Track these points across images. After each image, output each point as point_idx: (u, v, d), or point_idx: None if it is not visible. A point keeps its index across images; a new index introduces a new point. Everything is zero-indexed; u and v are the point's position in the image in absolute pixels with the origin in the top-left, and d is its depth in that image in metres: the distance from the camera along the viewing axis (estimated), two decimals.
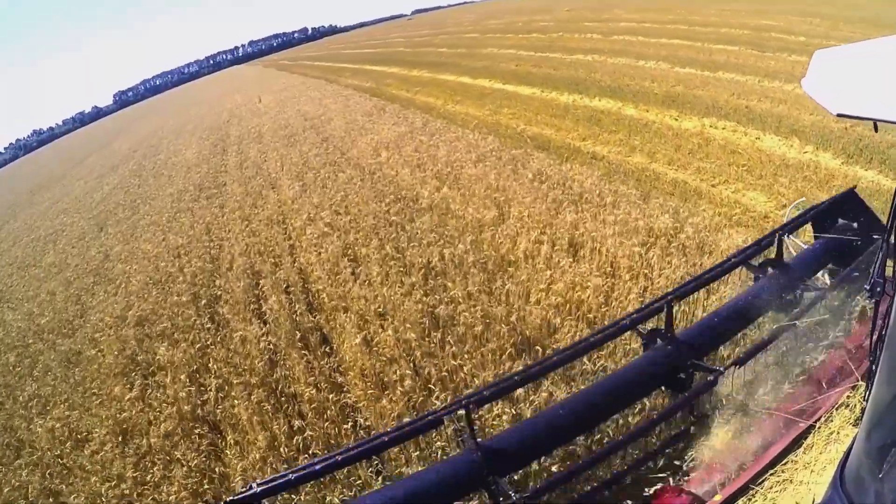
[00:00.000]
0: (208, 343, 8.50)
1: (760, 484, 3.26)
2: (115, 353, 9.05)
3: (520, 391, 5.41)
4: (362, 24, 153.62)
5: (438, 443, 5.20)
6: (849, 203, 4.95)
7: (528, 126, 17.32)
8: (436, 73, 32.85)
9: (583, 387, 5.15)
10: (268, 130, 25.14)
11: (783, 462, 3.33)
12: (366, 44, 71.51)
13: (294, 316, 8.43)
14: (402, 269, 8.74)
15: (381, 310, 7.83)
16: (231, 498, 3.09)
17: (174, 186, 20.04)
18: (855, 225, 4.86)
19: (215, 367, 7.76)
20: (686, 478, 3.82)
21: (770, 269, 4.69)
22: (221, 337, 8.62)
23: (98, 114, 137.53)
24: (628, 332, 4.52)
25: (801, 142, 11.89)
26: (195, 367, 8.05)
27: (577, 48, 30.94)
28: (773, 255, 4.75)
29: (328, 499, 5.08)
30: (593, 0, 61.07)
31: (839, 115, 1.51)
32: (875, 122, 1.54)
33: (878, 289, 2.19)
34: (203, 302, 9.84)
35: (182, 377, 7.79)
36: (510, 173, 11.89)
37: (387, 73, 38.18)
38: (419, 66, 37.44)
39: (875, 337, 2.11)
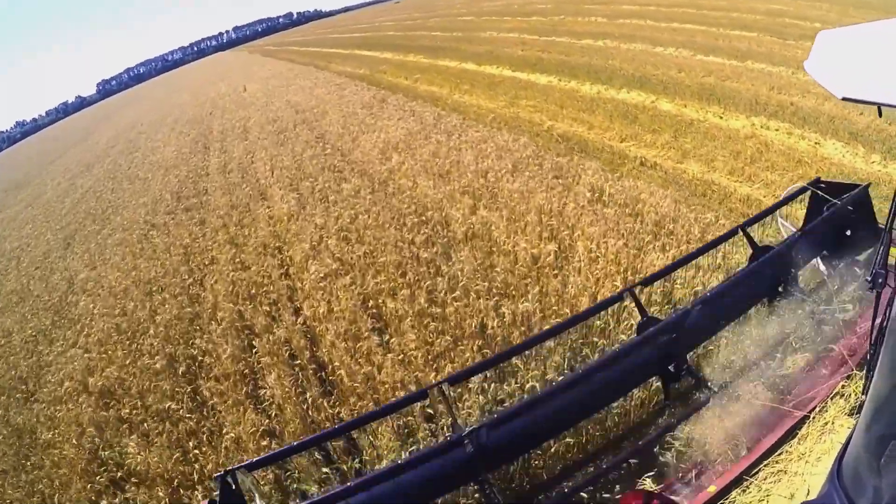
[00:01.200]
0: (190, 436, 6.10)
1: (755, 475, 3.19)
2: (75, 443, 6.61)
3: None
4: (347, 9, 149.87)
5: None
6: (847, 190, 4.83)
7: (554, 122, 14.87)
8: (434, 59, 30.08)
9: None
10: (254, 125, 22.35)
11: (777, 453, 3.27)
12: (353, 28, 67.98)
13: (304, 406, 6.02)
14: (446, 334, 6.32)
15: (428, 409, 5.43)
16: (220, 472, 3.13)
17: (149, 193, 17.32)
18: (850, 209, 4.70)
19: (202, 479, 5.41)
20: (659, 483, 3.61)
21: (763, 255, 4.57)
22: (208, 430, 6.19)
23: (82, 104, 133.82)
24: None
25: (865, 149, 10.09)
26: (175, 478, 5.65)
27: (584, 32, 28.42)
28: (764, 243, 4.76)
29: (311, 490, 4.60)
30: None
31: (844, 99, 1.46)
32: (879, 106, 1.45)
33: (880, 280, 2.10)
34: (181, 369, 7.35)
35: (160, 493, 5.44)
36: (561, 189, 9.39)
37: (380, 59, 35.29)
38: (415, 50, 34.61)
39: (876, 328, 2.07)
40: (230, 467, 3.23)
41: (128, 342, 8.51)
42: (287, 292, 8.51)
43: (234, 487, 3.21)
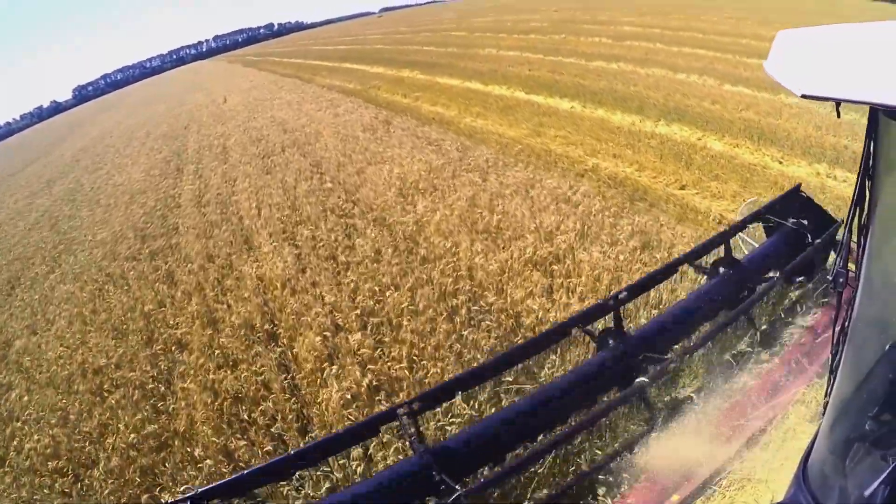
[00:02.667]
0: None
1: (718, 483, 3.13)
2: None
3: None
4: (329, 21, 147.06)
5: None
6: (797, 201, 4.90)
7: (595, 159, 12.25)
8: (432, 76, 27.40)
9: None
10: (236, 144, 19.22)
11: (741, 460, 3.21)
12: (338, 40, 64.90)
13: None
14: None
15: None
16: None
17: (109, 226, 14.10)
18: (805, 222, 4.78)
19: None
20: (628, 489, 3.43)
21: (722, 269, 4.56)
22: None
23: (57, 108, 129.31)
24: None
25: None
26: None
27: (592, 53, 26.14)
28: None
29: None
30: (576, 1, 56.69)
31: (803, 97, 1.36)
32: (838, 104, 1.39)
33: (841, 279, 1.98)
34: None
35: None
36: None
37: (371, 73, 32.47)
38: (408, 65, 31.90)
39: (837, 329, 2.03)
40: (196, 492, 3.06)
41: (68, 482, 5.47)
42: (297, 421, 5.56)
43: None
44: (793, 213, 4.91)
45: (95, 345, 8.21)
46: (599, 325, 4.47)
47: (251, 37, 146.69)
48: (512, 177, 10.74)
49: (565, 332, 4.27)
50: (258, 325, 7.40)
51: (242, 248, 10.22)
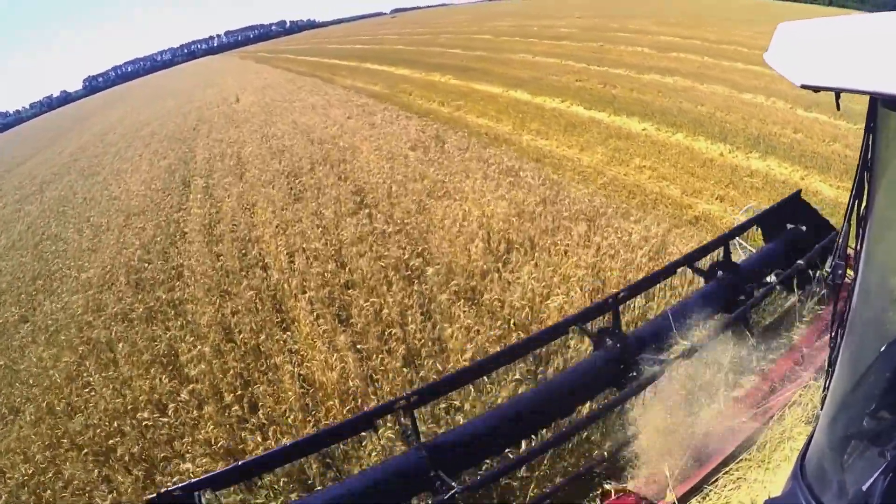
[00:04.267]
0: None
1: (714, 483, 3.03)
2: None
3: None
4: (340, 21, 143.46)
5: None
6: (796, 208, 4.82)
7: (702, 202, 9.43)
8: (467, 81, 24.28)
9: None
10: (253, 155, 16.07)
11: (737, 460, 3.10)
12: (353, 39, 61.53)
13: None
14: None
15: None
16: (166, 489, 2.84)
17: (98, 260, 10.93)
18: (804, 229, 4.70)
19: None
20: (631, 478, 3.30)
21: (720, 272, 4.48)
22: None
23: (66, 98, 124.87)
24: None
25: None
26: None
27: (641, 65, 23.07)
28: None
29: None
30: (599, 7, 53.54)
31: (803, 86, 1.33)
32: (837, 95, 1.31)
33: (840, 271, 2.00)
34: None
35: None
36: None
37: (397, 75, 29.34)
38: (437, 69, 28.76)
39: (836, 323, 1.94)
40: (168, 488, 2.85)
41: None
42: None
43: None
44: (791, 219, 4.82)
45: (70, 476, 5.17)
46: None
47: (263, 33, 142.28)
48: (632, 230, 7.63)
49: (562, 331, 4.24)
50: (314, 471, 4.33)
51: (273, 320, 7.11)
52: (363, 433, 4.05)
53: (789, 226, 4.77)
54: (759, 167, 10.96)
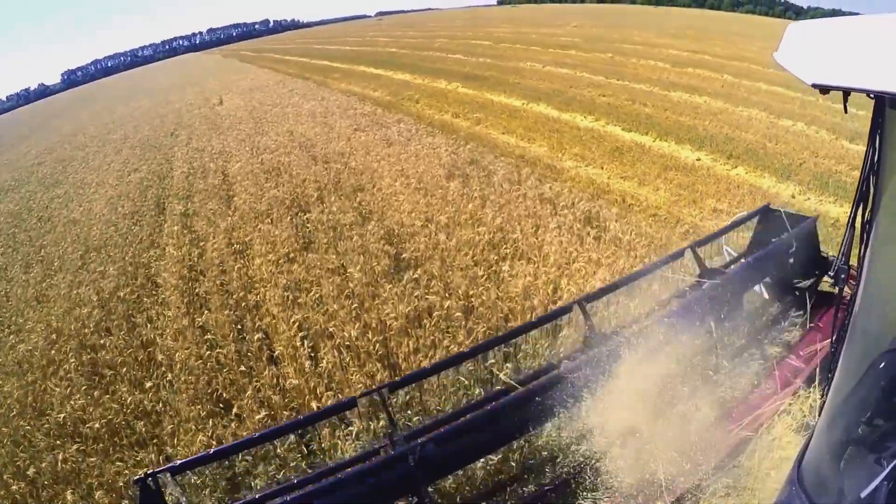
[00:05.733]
0: None
1: (703, 490, 2.99)
2: None
3: None
4: (324, 22, 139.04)
5: None
6: (787, 220, 4.61)
7: None
8: (479, 90, 21.64)
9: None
10: (241, 172, 13.10)
11: (726, 468, 3.07)
12: (340, 40, 58.19)
13: None
14: None
15: None
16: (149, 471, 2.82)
17: (43, 318, 7.97)
18: (794, 243, 4.45)
19: None
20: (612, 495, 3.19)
21: (708, 279, 4.19)
22: None
23: (44, 92, 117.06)
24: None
25: None
26: None
27: (663, 80, 20.89)
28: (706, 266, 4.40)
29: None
30: (595, 17, 51.52)
31: (813, 86, 1.30)
32: (845, 97, 1.31)
33: (843, 275, 1.95)
34: None
35: None
36: None
37: (396, 80, 26.55)
38: (442, 75, 26.05)
39: (837, 327, 1.88)
40: (151, 471, 2.87)
41: None
42: None
43: (154, 490, 2.85)
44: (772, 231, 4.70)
45: None
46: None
47: (246, 32, 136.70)
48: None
49: (529, 330, 4.37)
50: None
51: (301, 464, 4.34)
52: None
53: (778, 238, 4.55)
54: (837, 214, 8.64)
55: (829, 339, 1.94)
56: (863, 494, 1.45)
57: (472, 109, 18.10)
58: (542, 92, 19.93)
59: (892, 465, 1.44)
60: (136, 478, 2.87)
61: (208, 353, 6.14)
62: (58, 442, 5.30)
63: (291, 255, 8.10)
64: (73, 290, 8.68)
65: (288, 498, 2.87)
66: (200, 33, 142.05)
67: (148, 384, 5.89)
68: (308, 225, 9.09)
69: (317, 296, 6.76)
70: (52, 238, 11.96)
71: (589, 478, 3.38)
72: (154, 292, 8.07)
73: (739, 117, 15.45)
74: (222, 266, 8.39)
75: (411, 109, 19.05)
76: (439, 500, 2.92)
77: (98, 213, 12.52)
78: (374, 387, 3.58)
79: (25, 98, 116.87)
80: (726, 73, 21.98)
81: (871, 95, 1.26)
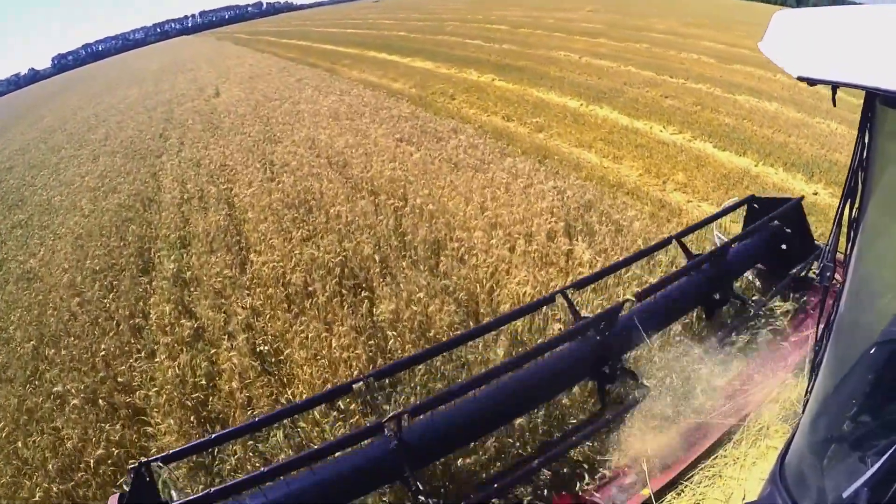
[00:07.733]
0: None
1: (689, 479, 2.84)
2: None
3: None
4: (319, 4, 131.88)
5: None
6: (782, 205, 4.33)
7: None
8: (522, 84, 17.93)
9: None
10: (254, 204, 9.31)
11: (713, 457, 2.92)
12: (342, 23, 53.24)
13: None
14: None
15: None
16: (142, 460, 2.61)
17: None
18: (788, 230, 4.24)
19: None
20: (595, 483, 3.02)
21: (701, 266, 3.99)
22: None
23: (35, 77, 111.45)
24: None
25: None
26: None
27: (720, 79, 17.70)
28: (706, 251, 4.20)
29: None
30: (606, 1, 47.31)
31: (799, 79, 1.20)
32: (834, 88, 1.22)
33: (828, 273, 1.82)
34: None
35: None
36: None
37: (416, 69, 22.71)
38: (468, 63, 22.23)
39: (822, 325, 1.81)
40: (145, 459, 2.65)
41: None
42: None
43: (148, 480, 2.63)
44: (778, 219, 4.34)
45: None
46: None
47: (238, 14, 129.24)
48: None
49: (513, 319, 4.19)
50: None
51: None
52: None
53: (773, 223, 4.27)
54: None
55: (815, 336, 1.79)
56: (845, 494, 1.36)
57: (525, 111, 14.49)
58: (597, 90, 16.32)
59: (875, 464, 1.35)
60: (130, 466, 2.69)
61: None
62: None
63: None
64: (18, 412, 5.12)
65: (265, 469, 2.68)
66: (193, 16, 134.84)
67: None
68: (381, 323, 5.55)
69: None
70: (2, 301, 8.31)
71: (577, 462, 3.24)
72: (144, 446, 4.56)
73: (822, 132, 12.13)
74: (249, 396, 4.88)
75: (449, 108, 15.37)
76: (426, 486, 2.57)
77: (59, 264, 8.79)
78: (355, 378, 3.17)
79: (16, 83, 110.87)
80: (773, 70, 18.53)
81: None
